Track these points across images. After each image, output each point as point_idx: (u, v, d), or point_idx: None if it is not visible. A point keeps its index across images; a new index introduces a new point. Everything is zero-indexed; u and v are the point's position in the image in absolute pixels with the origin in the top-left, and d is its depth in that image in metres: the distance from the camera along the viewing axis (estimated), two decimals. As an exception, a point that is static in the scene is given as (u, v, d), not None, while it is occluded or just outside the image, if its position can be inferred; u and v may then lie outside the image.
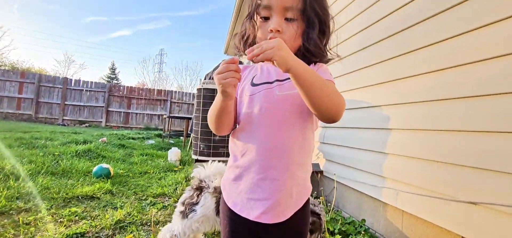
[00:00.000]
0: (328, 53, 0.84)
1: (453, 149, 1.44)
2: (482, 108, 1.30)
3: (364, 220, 2.09)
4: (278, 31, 0.74)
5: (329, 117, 0.69)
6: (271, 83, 0.79)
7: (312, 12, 0.75)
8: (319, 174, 2.79)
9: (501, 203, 1.19)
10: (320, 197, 2.44)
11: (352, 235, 1.93)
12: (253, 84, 0.81)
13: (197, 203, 1.53)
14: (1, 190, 2.27)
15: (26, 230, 1.73)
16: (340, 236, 1.87)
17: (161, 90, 12.83)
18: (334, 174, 2.50)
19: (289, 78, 0.77)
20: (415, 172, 1.66)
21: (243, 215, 0.76)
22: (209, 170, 1.64)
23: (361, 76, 2.29)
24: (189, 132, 6.61)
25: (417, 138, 1.68)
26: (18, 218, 1.87)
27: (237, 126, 0.83)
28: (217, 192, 1.53)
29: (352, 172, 2.30)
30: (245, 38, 0.83)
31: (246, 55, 0.87)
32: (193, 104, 12.15)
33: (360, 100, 2.28)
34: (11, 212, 1.98)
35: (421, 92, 1.66)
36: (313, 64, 0.81)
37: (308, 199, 0.84)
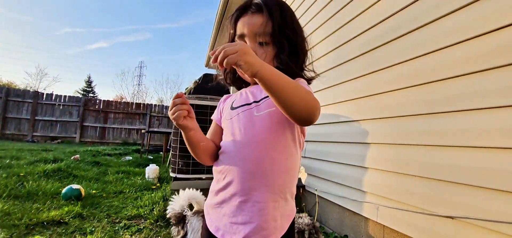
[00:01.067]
0: (305, 72, 0.86)
1: (429, 164, 1.46)
2: (455, 124, 1.34)
3: (346, 236, 2.08)
4: None
5: (304, 119, 0.66)
6: (249, 104, 0.80)
7: (282, 35, 0.78)
8: (301, 189, 2.76)
9: (476, 217, 1.22)
10: (303, 213, 2.40)
11: (334, 252, 1.90)
12: (232, 108, 0.83)
13: (186, 234, 1.54)
14: (-47, 219, 2.05)
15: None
16: (323, 254, 1.84)
17: (140, 103, 12.46)
18: (316, 190, 2.48)
19: (265, 98, 0.77)
20: (394, 186, 1.68)
21: None
22: (181, 201, 1.66)
23: (341, 90, 2.32)
24: (168, 147, 6.41)
25: (394, 152, 1.71)
26: (-29, 251, 1.68)
27: (220, 149, 0.82)
28: (199, 212, 1.55)
29: (333, 187, 2.30)
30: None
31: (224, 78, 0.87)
32: (173, 118, 11.83)
33: (340, 115, 2.30)
34: (-38, 244, 1.78)
35: (398, 107, 1.70)
36: None
37: (293, 221, 0.80)
